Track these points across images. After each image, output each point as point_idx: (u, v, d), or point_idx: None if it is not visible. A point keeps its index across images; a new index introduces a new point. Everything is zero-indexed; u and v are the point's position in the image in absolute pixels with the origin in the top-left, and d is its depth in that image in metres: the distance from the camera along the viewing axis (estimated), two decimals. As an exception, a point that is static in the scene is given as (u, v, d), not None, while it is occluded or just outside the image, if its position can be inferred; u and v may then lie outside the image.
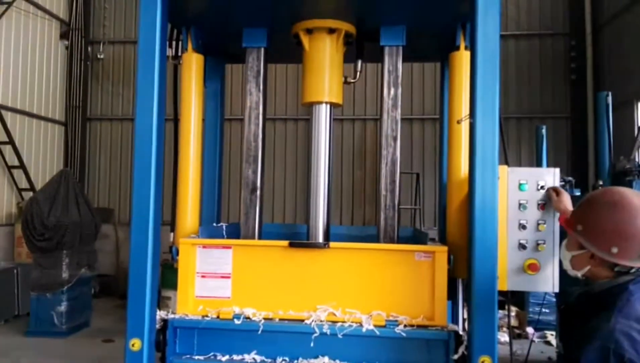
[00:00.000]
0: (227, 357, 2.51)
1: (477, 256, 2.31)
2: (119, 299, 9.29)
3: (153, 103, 2.43)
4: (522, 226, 2.53)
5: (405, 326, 2.41)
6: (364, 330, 2.39)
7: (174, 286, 2.79)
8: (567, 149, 9.98)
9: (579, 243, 1.81)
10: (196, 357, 2.53)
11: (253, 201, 2.84)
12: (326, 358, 2.44)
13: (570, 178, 5.72)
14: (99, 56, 10.94)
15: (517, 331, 7.21)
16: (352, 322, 2.43)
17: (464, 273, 2.62)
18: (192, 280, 2.60)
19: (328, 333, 2.40)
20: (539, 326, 6.90)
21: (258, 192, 2.84)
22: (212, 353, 2.53)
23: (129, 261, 2.49)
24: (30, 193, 8.13)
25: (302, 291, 2.53)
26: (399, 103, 2.79)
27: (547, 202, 2.52)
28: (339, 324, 2.42)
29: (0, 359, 6.10)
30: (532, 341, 6.53)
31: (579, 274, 1.84)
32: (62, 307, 7.03)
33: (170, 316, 2.54)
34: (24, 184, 9.19)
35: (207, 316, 2.55)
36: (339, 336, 2.40)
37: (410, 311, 2.46)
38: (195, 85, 2.96)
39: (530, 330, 7.07)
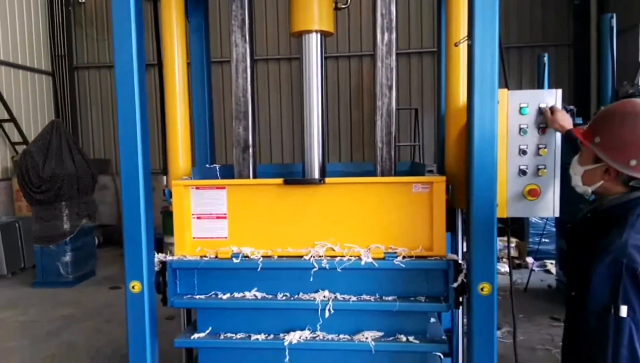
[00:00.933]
0: (228, 295, 2.52)
1: (476, 184, 2.25)
2: (122, 248, 9.38)
3: (132, 44, 2.29)
4: (523, 152, 2.47)
5: (404, 257, 2.39)
6: (362, 263, 2.38)
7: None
8: (569, 78, 9.78)
9: (594, 156, 1.73)
10: (197, 297, 2.54)
11: (246, 159, 2.76)
12: (326, 292, 2.44)
13: (572, 107, 5.61)
14: (80, 0, 10.53)
15: (517, 261, 7.32)
16: (350, 256, 2.41)
17: (463, 204, 2.58)
18: (188, 222, 2.56)
19: (327, 268, 2.39)
20: (539, 256, 7.00)
21: (250, 150, 2.75)
22: (212, 293, 2.54)
23: (122, 205, 2.45)
24: (24, 146, 8.01)
25: (300, 228, 2.50)
26: (394, 49, 2.62)
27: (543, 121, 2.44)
28: (337, 259, 2.41)
29: (9, 310, 6.22)
30: (531, 270, 6.65)
31: (590, 190, 1.78)
32: (67, 258, 7.10)
33: (169, 258, 2.53)
34: (16, 137, 9.07)
35: (205, 256, 2.53)
36: (338, 270, 2.39)
37: (409, 244, 2.44)
38: (176, 20, 2.81)
39: (530, 259, 7.17)
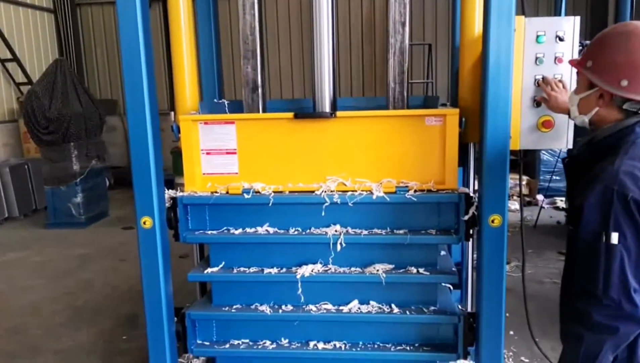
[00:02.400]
0: (240, 230, 2.53)
1: (490, 115, 2.19)
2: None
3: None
4: (537, 83, 2.38)
5: (415, 191, 2.37)
6: (374, 197, 2.36)
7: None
8: (587, 8, 9.43)
9: (588, 82, 1.69)
10: (209, 232, 2.56)
11: (255, 100, 2.69)
12: (337, 226, 2.45)
13: (587, 41, 5.39)
14: None
15: (527, 199, 7.31)
16: (362, 191, 2.40)
17: (476, 138, 2.52)
18: (197, 158, 2.54)
19: (338, 202, 2.38)
20: (549, 193, 6.98)
21: (260, 90, 2.67)
22: (224, 228, 2.55)
23: (130, 141, 2.42)
24: (29, 87, 7.93)
25: (311, 163, 2.47)
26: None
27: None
28: (349, 193, 2.39)
29: (24, 250, 6.35)
30: (541, 207, 6.66)
31: (586, 119, 1.73)
32: (78, 199, 7.18)
33: (179, 194, 2.53)
34: (20, 78, 8.97)
35: (216, 192, 2.52)
36: (350, 205, 2.38)
37: (421, 178, 2.42)
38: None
39: (540, 197, 7.16)
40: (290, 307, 2.54)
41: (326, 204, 2.39)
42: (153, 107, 2.39)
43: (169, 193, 2.53)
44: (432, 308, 2.48)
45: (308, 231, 2.48)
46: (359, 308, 2.50)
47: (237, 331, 2.62)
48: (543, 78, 2.38)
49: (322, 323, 2.54)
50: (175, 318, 2.57)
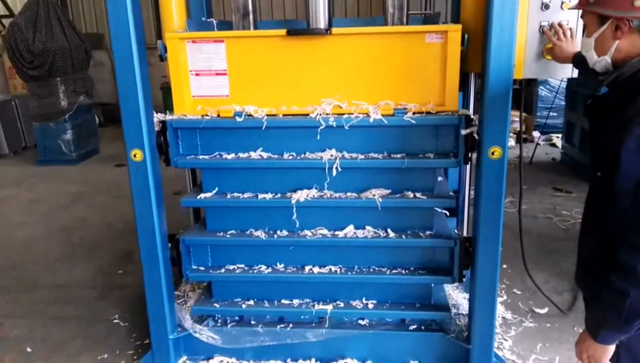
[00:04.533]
0: (232, 155, 2.48)
1: (494, 41, 2.10)
2: (124, 126, 9.31)
3: None
4: (545, 6, 2.26)
5: (414, 113, 2.30)
6: (371, 120, 2.29)
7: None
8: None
9: (598, 19, 1.50)
10: (201, 157, 2.50)
11: (246, 27, 2.55)
12: (333, 151, 2.40)
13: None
14: None
15: (523, 135, 7.25)
16: (358, 113, 2.32)
17: (478, 66, 2.43)
18: (186, 79, 2.44)
19: (334, 125, 2.31)
20: (545, 130, 6.93)
21: (251, 16, 2.53)
22: (216, 153, 2.50)
23: (116, 71, 2.30)
24: (10, 20, 7.59)
25: (305, 85, 2.38)
26: None
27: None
28: (345, 116, 2.32)
29: (15, 187, 6.29)
30: (537, 144, 6.62)
31: (608, 59, 1.53)
32: (68, 135, 7.05)
33: (169, 117, 2.44)
34: (1, 10, 8.58)
35: (206, 115, 2.44)
36: (346, 128, 2.32)
37: (420, 99, 2.34)
38: None
39: (536, 133, 7.11)
40: (285, 232, 2.53)
41: (321, 127, 2.33)
42: (139, 34, 2.28)
43: (157, 116, 2.43)
44: (428, 232, 2.49)
45: (303, 155, 2.43)
46: (355, 233, 2.50)
47: (232, 256, 2.63)
48: (550, 25, 2.25)
49: (317, 248, 2.55)
50: (170, 245, 2.56)
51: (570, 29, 2.23)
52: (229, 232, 2.59)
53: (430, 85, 2.33)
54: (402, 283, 2.57)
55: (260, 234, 2.54)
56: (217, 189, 2.56)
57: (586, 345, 1.51)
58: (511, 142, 6.66)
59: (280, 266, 2.60)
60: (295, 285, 2.65)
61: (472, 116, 2.30)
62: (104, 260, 4.16)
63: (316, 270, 2.57)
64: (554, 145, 7.08)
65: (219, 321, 2.77)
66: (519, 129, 2.66)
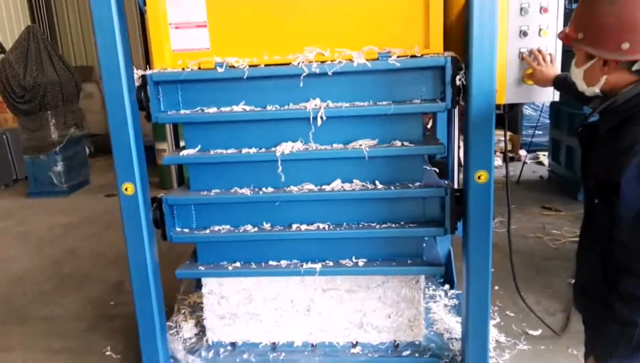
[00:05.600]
0: (214, 108, 2.45)
1: (475, 72, 2.16)
2: (115, 156, 9.32)
3: None
4: (524, 33, 2.33)
5: (398, 57, 2.28)
6: (355, 65, 2.27)
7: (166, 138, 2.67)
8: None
9: (585, 53, 1.53)
10: (182, 112, 2.47)
11: None
12: (317, 100, 2.37)
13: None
14: None
15: (510, 154, 7.35)
16: (342, 59, 2.30)
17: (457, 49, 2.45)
18: (166, 33, 2.42)
19: (317, 72, 2.28)
20: (532, 148, 7.02)
21: None
22: (198, 108, 2.47)
23: (107, 107, 2.34)
24: (1, 56, 7.65)
25: (287, 33, 2.36)
26: None
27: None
28: (328, 62, 2.30)
29: (6, 220, 6.26)
30: (524, 163, 6.70)
31: (597, 90, 1.56)
32: (59, 167, 7.05)
33: (149, 71, 2.41)
34: (-8, 46, 8.65)
35: (187, 68, 2.41)
36: (329, 74, 2.28)
37: (405, 44, 2.31)
38: None
39: (522, 152, 7.21)
40: (270, 189, 2.48)
41: (304, 74, 2.29)
42: (129, 71, 2.32)
43: (137, 71, 2.40)
44: (418, 183, 2.44)
45: (286, 106, 2.39)
46: (342, 186, 2.45)
47: (217, 217, 2.57)
48: (530, 51, 2.32)
49: (304, 204, 2.49)
50: (153, 206, 2.52)
51: (550, 54, 2.30)
52: (213, 191, 2.53)
53: (414, 28, 2.30)
54: (393, 238, 2.48)
55: (245, 191, 2.47)
56: (199, 146, 2.51)
57: None
58: (497, 161, 6.74)
59: (266, 226, 2.53)
60: (282, 246, 2.57)
61: (458, 59, 2.27)
62: (95, 291, 4.13)
63: (304, 227, 2.49)
64: (540, 163, 7.17)
65: (212, 351, 2.76)
66: (504, 148, 2.71)
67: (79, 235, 5.55)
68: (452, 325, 2.92)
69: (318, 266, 2.50)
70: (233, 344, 2.78)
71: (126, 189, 2.44)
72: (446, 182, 2.60)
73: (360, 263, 2.53)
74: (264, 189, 2.49)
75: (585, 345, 1.73)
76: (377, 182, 2.45)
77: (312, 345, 2.74)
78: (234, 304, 2.73)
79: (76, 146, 7.36)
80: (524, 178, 6.39)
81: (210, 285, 2.73)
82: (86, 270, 4.56)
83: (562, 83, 2.18)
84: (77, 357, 3.20)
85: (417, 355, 2.65)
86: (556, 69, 2.28)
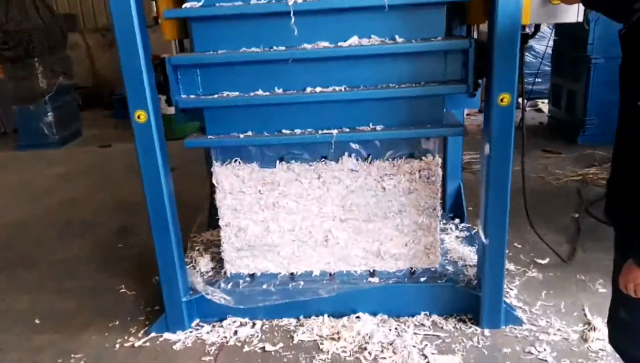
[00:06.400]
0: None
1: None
2: (104, 109, 9.13)
3: None
4: (550, -28, 2.27)
5: None
6: None
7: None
8: None
9: None
10: None
11: None
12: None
13: None
14: None
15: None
16: None
17: (480, 18, 2.44)
18: None
19: None
20: (531, 96, 7.00)
21: None
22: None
23: (115, 29, 2.25)
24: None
25: None
26: None
27: None
28: None
29: (-1, 171, 6.14)
30: (524, 109, 6.68)
31: None
32: (49, 118, 6.87)
33: None
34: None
35: None
36: None
37: None
38: None
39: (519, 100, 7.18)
40: (282, 48, 2.36)
41: None
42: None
43: None
44: (439, 37, 2.34)
45: None
46: (360, 42, 2.35)
47: (225, 82, 2.42)
48: None
49: (318, 64, 2.36)
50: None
51: None
52: (219, 51, 2.38)
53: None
54: (412, 100, 2.39)
55: (255, 50, 2.36)
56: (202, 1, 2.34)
57: (633, 275, 1.53)
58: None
59: (279, 91, 2.38)
60: (296, 113, 2.44)
61: None
62: (100, 235, 4.11)
63: (319, 89, 2.36)
64: (539, 110, 7.18)
65: (231, 283, 2.77)
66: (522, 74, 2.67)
67: (77, 184, 5.46)
68: (466, 253, 2.97)
69: (334, 131, 2.41)
70: (252, 275, 2.80)
71: (139, 117, 2.37)
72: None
73: (378, 129, 2.43)
74: (275, 48, 2.35)
75: (616, 252, 1.75)
76: (396, 36, 2.34)
77: (330, 274, 2.77)
78: (251, 236, 2.72)
79: (66, 95, 7.17)
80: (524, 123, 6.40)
81: (227, 218, 2.71)
82: (89, 217, 4.51)
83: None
84: (91, 295, 3.20)
85: (433, 280, 2.69)
86: None
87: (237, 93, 2.41)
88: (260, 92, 2.40)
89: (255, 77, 2.39)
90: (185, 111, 2.59)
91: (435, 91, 2.37)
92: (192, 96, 2.44)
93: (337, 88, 2.37)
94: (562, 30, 5.80)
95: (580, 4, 2.22)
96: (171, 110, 2.59)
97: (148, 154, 2.43)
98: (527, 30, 2.49)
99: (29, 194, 5.26)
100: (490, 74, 2.27)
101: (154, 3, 2.58)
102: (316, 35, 2.33)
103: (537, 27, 2.50)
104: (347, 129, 2.44)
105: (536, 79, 6.78)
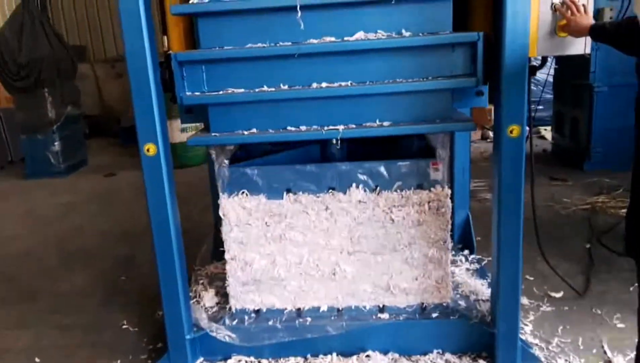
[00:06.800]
0: None
1: (509, 20, 2.11)
2: (111, 138, 9.19)
3: None
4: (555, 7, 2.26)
5: None
6: None
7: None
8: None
9: None
10: None
11: None
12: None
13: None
14: None
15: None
16: None
17: (483, 25, 2.38)
18: None
19: None
20: (534, 123, 6.98)
21: None
22: None
23: (127, 62, 2.25)
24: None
25: None
26: None
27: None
28: None
29: (4, 202, 6.15)
30: (528, 137, 6.66)
31: None
32: (56, 147, 6.91)
33: None
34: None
35: None
36: None
37: None
38: None
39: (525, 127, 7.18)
40: (289, 43, 2.33)
41: None
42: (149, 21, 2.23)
43: None
44: (447, 30, 2.30)
45: None
46: (366, 36, 2.31)
47: (230, 78, 2.38)
48: (562, 2, 2.25)
49: (324, 59, 2.31)
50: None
51: (584, 4, 2.24)
52: (225, 47, 2.37)
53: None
54: (419, 95, 2.33)
55: (260, 45, 2.33)
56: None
57: None
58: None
59: (284, 87, 2.35)
60: (301, 109, 2.39)
61: None
62: (104, 266, 4.06)
63: (324, 85, 2.33)
64: (542, 137, 7.16)
65: (236, 319, 2.71)
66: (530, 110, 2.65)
67: (82, 213, 5.45)
68: (477, 287, 2.89)
69: (340, 127, 2.35)
70: (257, 311, 2.73)
71: (148, 150, 2.35)
72: None
73: (386, 124, 2.37)
74: (281, 43, 2.33)
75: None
76: (403, 31, 2.31)
77: (338, 310, 2.70)
78: (257, 270, 2.67)
79: (73, 124, 7.22)
80: (528, 151, 6.36)
81: (233, 251, 2.66)
82: (92, 247, 4.48)
83: (600, 31, 2.12)
84: (92, 331, 3.13)
85: (445, 316, 2.62)
86: (590, 18, 2.22)
87: (242, 90, 2.36)
88: (265, 88, 2.35)
89: (260, 73, 2.35)
90: (190, 111, 2.56)
91: (444, 85, 2.31)
92: (197, 93, 2.39)
93: (343, 84, 2.33)
94: (563, 59, 5.82)
95: (588, 36, 2.23)
96: (175, 138, 2.55)
97: (156, 187, 2.40)
98: (534, 62, 2.46)
99: (34, 224, 5.24)
100: (499, 106, 2.25)
101: (165, 38, 2.60)
102: (322, 30, 2.31)
103: (544, 60, 2.49)
104: (354, 126, 2.38)
105: (538, 107, 6.79)
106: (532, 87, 7.67)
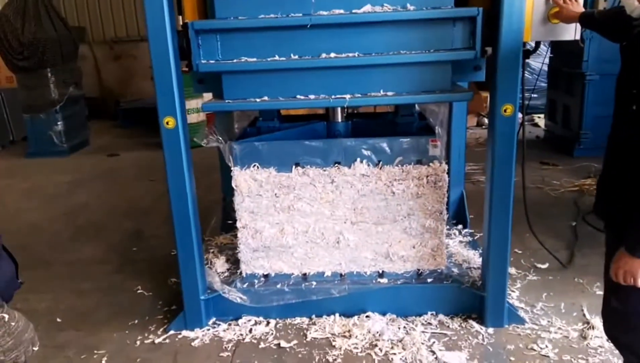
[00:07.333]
0: None
1: (506, 14, 2.30)
2: (110, 120, 9.30)
3: None
4: (549, -4, 2.45)
5: None
6: None
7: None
8: None
9: None
10: None
11: None
12: None
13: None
14: None
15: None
16: None
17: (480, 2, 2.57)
18: None
19: None
20: (528, 110, 7.19)
21: None
22: None
23: (149, 38, 2.41)
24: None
25: None
26: None
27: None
28: None
29: (9, 178, 6.27)
30: (523, 123, 6.88)
31: None
32: (59, 126, 7.03)
33: None
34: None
35: None
36: None
37: None
38: None
39: (519, 114, 7.38)
40: (300, 15, 2.46)
41: None
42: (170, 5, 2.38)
43: None
44: (449, 6, 2.46)
45: None
46: (373, 9, 2.46)
47: (243, 48, 2.51)
48: None
49: (333, 31, 2.45)
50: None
51: None
52: (239, 18, 2.49)
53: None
54: (421, 66, 2.49)
55: (273, 17, 2.46)
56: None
57: (623, 262, 1.68)
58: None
59: (295, 57, 2.48)
60: (311, 78, 2.53)
61: None
62: (114, 238, 4.23)
63: (333, 55, 2.47)
64: (536, 125, 7.38)
65: (246, 283, 2.91)
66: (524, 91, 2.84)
67: (87, 190, 5.60)
68: (470, 256, 3.12)
69: (347, 96, 2.50)
70: (266, 276, 2.93)
71: (167, 123, 2.53)
72: None
73: (390, 94, 2.52)
74: (292, 15, 2.48)
75: (607, 247, 1.89)
76: (407, 5, 2.47)
77: (341, 275, 2.91)
78: (267, 237, 2.86)
79: (75, 105, 7.33)
80: (521, 136, 6.58)
81: (245, 220, 2.85)
82: (100, 221, 4.64)
83: (588, 19, 2.32)
84: (108, 295, 3.32)
85: (440, 281, 2.84)
86: (580, 6, 2.41)
87: (254, 59, 2.51)
88: (276, 57, 2.50)
89: (272, 43, 2.49)
90: (201, 81, 2.68)
91: (445, 57, 2.47)
92: (212, 61, 2.52)
93: (350, 54, 2.48)
94: (558, 48, 6.02)
95: (578, 23, 2.42)
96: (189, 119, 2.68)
97: (174, 159, 2.58)
98: (528, 46, 2.65)
99: (41, 199, 5.39)
100: (495, 87, 2.44)
101: (180, 18, 2.76)
102: (331, 2, 2.46)
103: (538, 44, 2.68)
104: (359, 95, 2.52)
105: (533, 95, 7.00)
106: (528, 76, 7.87)
